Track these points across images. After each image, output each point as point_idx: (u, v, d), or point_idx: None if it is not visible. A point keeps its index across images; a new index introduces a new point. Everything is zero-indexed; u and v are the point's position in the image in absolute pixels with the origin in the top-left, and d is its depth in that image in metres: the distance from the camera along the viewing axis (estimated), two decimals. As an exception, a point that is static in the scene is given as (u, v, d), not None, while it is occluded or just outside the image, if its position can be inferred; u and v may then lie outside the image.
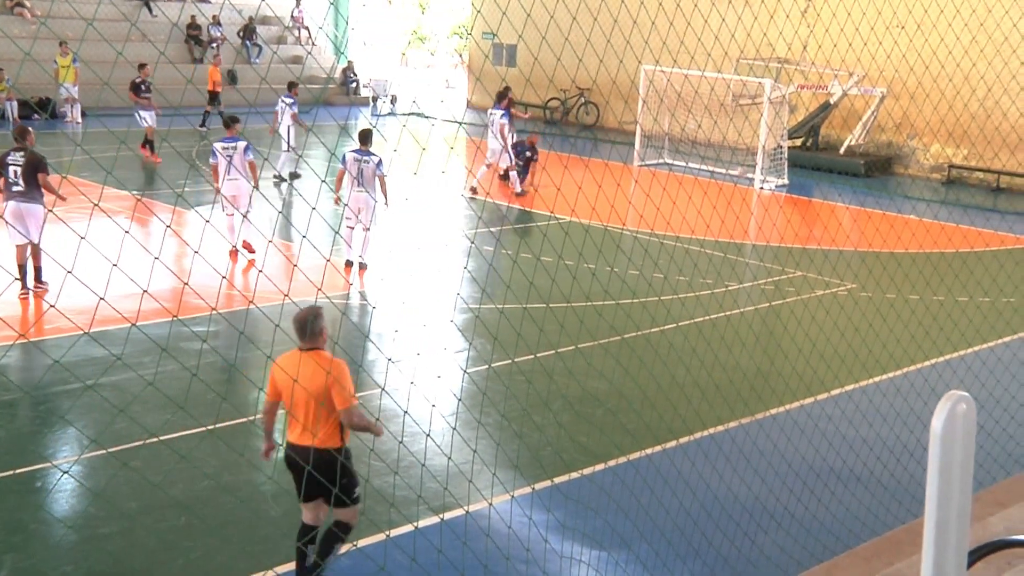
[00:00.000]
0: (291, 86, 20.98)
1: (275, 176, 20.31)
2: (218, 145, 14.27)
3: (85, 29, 28.38)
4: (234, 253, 13.80)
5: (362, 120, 31.58)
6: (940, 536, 1.97)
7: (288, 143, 20.59)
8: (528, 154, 21.45)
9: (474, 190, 20.46)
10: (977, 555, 3.41)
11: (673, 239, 16.31)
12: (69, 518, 7.40)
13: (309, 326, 6.01)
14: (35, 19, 30.90)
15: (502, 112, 20.24)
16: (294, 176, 20.71)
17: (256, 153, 14.13)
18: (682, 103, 24.36)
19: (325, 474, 5.88)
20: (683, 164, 23.97)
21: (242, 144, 14.16)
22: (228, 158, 14.08)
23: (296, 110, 20.43)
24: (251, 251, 13.89)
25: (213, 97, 27.27)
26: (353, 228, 14.07)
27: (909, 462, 8.64)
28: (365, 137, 14.13)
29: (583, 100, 32.50)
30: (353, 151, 14.12)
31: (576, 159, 21.54)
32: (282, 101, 20.56)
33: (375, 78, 37.03)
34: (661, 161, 25.19)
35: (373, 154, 14.05)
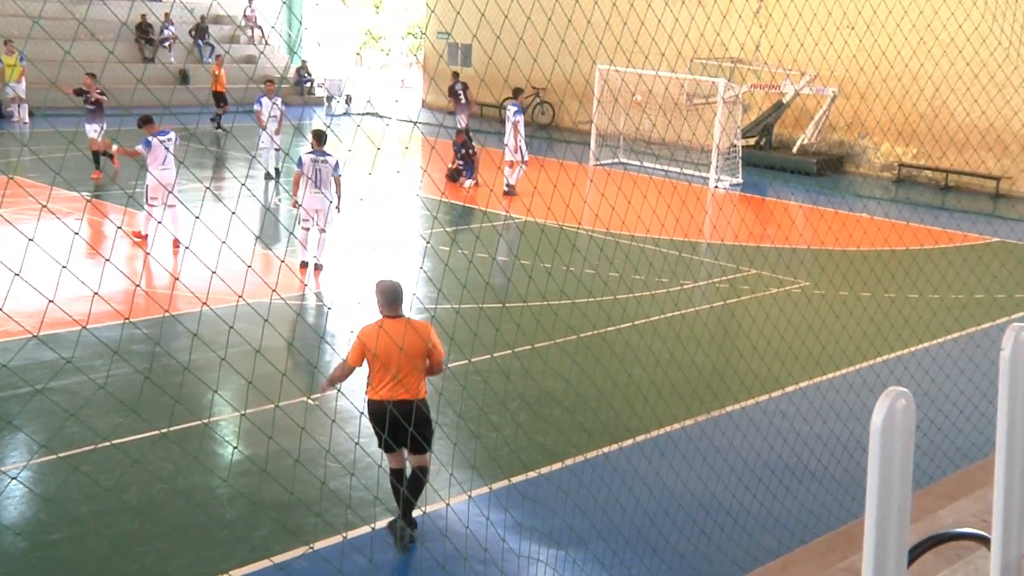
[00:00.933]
0: (269, 83, 21.66)
1: (266, 174, 20.89)
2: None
3: (31, 27, 27.90)
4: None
5: (316, 120, 31.41)
6: (881, 532, 2.01)
7: (273, 140, 20.92)
8: (466, 151, 21.66)
9: (511, 188, 20.80)
10: (922, 548, 3.47)
11: (629, 238, 16.40)
12: (18, 525, 7.29)
13: (399, 296, 6.96)
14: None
15: (516, 109, 20.58)
16: (273, 175, 21.03)
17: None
18: (636, 103, 24.49)
19: (421, 422, 6.86)
20: (638, 163, 24.11)
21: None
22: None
23: (284, 108, 20.91)
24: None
25: (219, 98, 27.10)
26: (309, 229, 13.99)
27: (862, 457, 8.74)
28: (320, 137, 14.07)
29: (538, 100, 32.56)
30: (309, 152, 14.05)
31: (532, 158, 21.58)
32: (266, 100, 20.99)
33: (329, 78, 36.87)
34: (616, 160, 25.31)
35: (329, 155, 14.00)
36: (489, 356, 10.39)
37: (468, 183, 20.95)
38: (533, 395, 9.96)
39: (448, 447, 8.59)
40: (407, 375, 6.86)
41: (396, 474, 7.21)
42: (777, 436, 9.26)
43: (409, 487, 7.15)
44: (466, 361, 10.42)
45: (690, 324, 12.48)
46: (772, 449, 9.01)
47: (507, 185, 20.71)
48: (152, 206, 14.18)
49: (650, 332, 12.01)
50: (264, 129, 20.84)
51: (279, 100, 21.14)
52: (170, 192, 13.89)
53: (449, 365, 10.48)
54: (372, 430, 7.11)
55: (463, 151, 21.66)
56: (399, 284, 7.01)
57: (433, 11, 33.03)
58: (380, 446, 7.06)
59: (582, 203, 18.52)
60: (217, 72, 27.58)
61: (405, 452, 7.13)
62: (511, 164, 20.91)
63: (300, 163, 14.02)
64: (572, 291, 13.00)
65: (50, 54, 27.17)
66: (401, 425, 6.75)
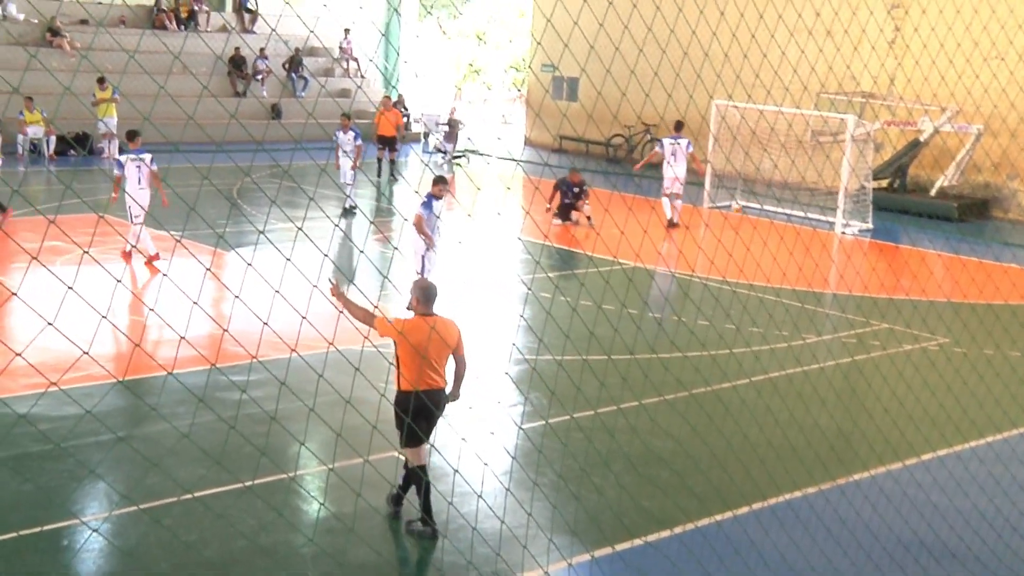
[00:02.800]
0: (344, 117, 22.14)
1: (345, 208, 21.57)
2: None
3: (127, 62, 29.14)
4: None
5: (413, 158, 31.97)
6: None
7: (349, 176, 21.60)
8: (576, 191, 21.93)
9: (672, 224, 21.71)
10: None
11: (746, 287, 16.23)
12: (97, 578, 7.52)
13: (434, 295, 8.09)
14: (74, 52, 31.81)
15: (687, 141, 21.99)
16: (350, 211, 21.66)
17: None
18: (756, 141, 24.33)
19: (441, 412, 8.08)
20: (758, 206, 23.90)
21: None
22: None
23: (360, 142, 21.71)
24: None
25: (387, 143, 26.61)
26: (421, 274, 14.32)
27: (1011, 537, 8.46)
28: (440, 182, 14.39)
29: (649, 137, 32.61)
30: (434, 200, 14.41)
31: (641, 200, 21.59)
32: (341, 135, 21.70)
33: (427, 113, 37.58)
34: (733, 203, 25.14)
35: (436, 197, 14.36)
36: (592, 412, 10.37)
37: (586, 207, 21.70)
38: (639, 455, 9.89)
39: (547, 509, 8.57)
40: (438, 364, 7.99)
41: (421, 470, 8.01)
42: (912, 509, 9.01)
43: (406, 482, 8.28)
44: (568, 417, 10.42)
45: (813, 382, 12.27)
46: (906, 523, 8.76)
47: (670, 221, 21.69)
48: (135, 224, 15.62)
49: (769, 389, 11.84)
50: (338, 166, 21.70)
51: (355, 134, 21.73)
52: (146, 212, 14.99)
53: (550, 420, 10.50)
54: (465, 489, 7.19)
55: (574, 190, 21.94)
56: (433, 284, 8.18)
57: (539, 43, 33.40)
58: (405, 444, 7.95)
59: (696, 248, 18.42)
60: (385, 114, 27.40)
61: (425, 447, 8.00)
62: (671, 196, 21.87)
63: (428, 205, 14.35)
64: (684, 343, 12.91)
65: (142, 88, 28.32)
66: (430, 415, 7.89)
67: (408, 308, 8.40)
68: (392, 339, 7.94)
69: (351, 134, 21.83)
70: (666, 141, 22.24)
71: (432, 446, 7.93)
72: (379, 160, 26.89)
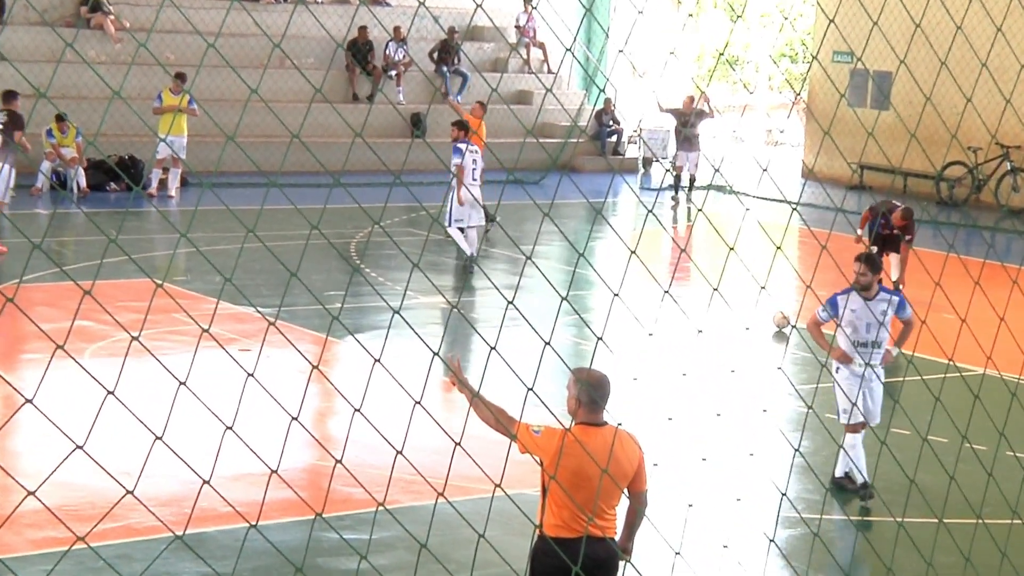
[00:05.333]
0: (460, 127, 22.79)
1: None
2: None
3: (205, 52, 29.36)
4: None
5: (625, 193, 32.05)
6: None
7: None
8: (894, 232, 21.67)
9: None
10: None
11: None
12: None
13: (607, 393, 8.18)
14: (121, 35, 32.92)
15: None
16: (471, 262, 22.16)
17: None
18: None
19: (613, 570, 8.15)
20: None
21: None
22: None
23: (457, 159, 21.99)
24: None
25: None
26: None
27: None
28: None
29: (1010, 167, 31.94)
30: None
31: (995, 267, 21.05)
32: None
33: (649, 128, 37.48)
34: None
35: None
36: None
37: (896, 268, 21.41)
38: None
39: None
40: (603, 504, 8.03)
41: None
42: None
43: None
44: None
45: None
46: None
47: None
48: None
49: None
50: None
51: (469, 145, 21.93)
52: None
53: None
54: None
55: (894, 232, 21.73)
56: (607, 377, 8.21)
57: (831, 21, 33.20)
58: None
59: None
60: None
61: None
62: None
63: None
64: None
65: (217, 88, 29.27)
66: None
67: (568, 413, 8.26)
68: (539, 459, 7.98)
69: (463, 144, 22.24)
70: None
71: None
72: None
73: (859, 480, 13.36)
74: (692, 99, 33.89)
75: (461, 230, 22.05)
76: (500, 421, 7.94)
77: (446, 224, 22.25)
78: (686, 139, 32.51)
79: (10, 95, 22.95)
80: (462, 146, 21.93)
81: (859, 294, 13.34)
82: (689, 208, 32.54)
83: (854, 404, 13.21)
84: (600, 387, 8.11)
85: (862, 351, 13.44)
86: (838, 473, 13.61)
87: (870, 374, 13.34)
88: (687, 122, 32.62)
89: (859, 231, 22.04)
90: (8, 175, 22.25)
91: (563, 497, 7.86)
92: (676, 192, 32.52)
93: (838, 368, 13.65)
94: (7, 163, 22.19)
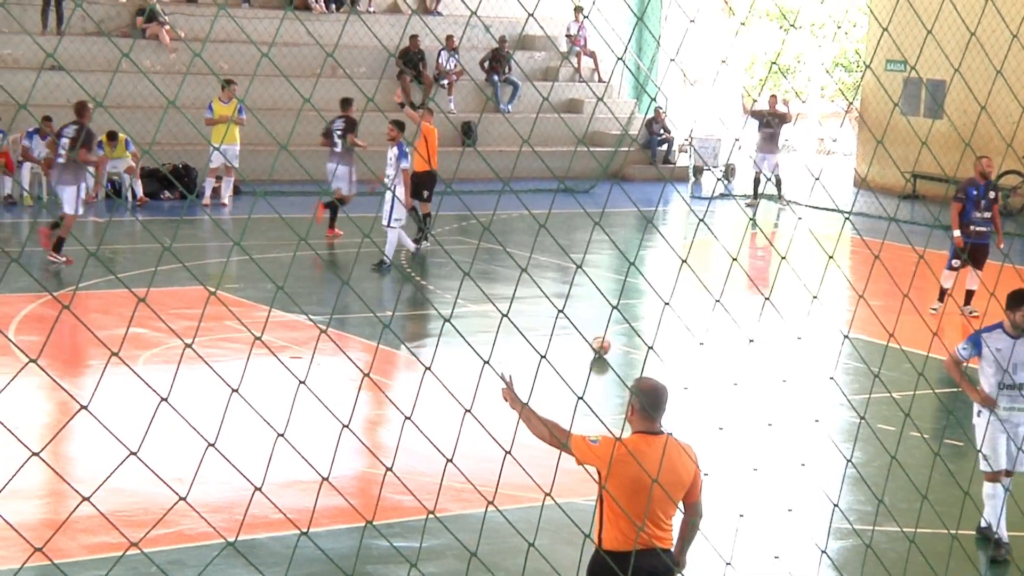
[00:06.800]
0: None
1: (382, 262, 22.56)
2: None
3: (259, 62, 29.45)
4: None
5: (733, 211, 31.96)
6: None
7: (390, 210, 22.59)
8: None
9: None
10: None
11: None
12: None
13: (664, 401, 8.12)
14: (176, 45, 33.23)
15: None
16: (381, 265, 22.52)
17: None
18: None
19: None
20: None
21: None
22: None
23: (405, 163, 22.58)
24: None
25: (420, 185, 26.09)
26: None
27: None
28: None
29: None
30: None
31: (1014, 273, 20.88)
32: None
33: (700, 137, 37.42)
34: None
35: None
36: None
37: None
38: None
39: None
40: (661, 514, 8.04)
41: None
42: None
43: None
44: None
45: None
46: None
47: None
48: None
49: None
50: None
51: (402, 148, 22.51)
52: None
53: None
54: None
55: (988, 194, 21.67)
56: (664, 386, 8.19)
57: (884, 29, 33.02)
58: None
59: None
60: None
61: None
62: None
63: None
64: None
65: (269, 98, 29.42)
66: None
67: (626, 421, 8.26)
68: (596, 469, 7.96)
69: (395, 151, 22.65)
70: None
71: None
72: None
73: (995, 533, 12.37)
74: (776, 99, 33.93)
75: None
76: (554, 435, 7.90)
77: (386, 223, 22.55)
78: (765, 140, 32.52)
79: (82, 107, 22.81)
80: (408, 149, 22.54)
81: (1007, 334, 12.54)
82: (780, 211, 32.62)
83: (978, 450, 12.41)
84: (655, 395, 8.08)
85: (1008, 394, 12.48)
86: (982, 523, 12.73)
87: (1018, 418, 12.45)
88: (769, 123, 32.64)
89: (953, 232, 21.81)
90: (79, 191, 22.26)
91: (614, 510, 7.84)
92: (756, 196, 32.57)
93: (979, 411, 12.61)
94: (80, 180, 22.24)
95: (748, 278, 19.12)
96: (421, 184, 24.05)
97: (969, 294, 21.62)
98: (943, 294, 21.36)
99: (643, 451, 7.83)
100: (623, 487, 7.76)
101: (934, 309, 21.15)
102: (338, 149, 25.01)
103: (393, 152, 22.64)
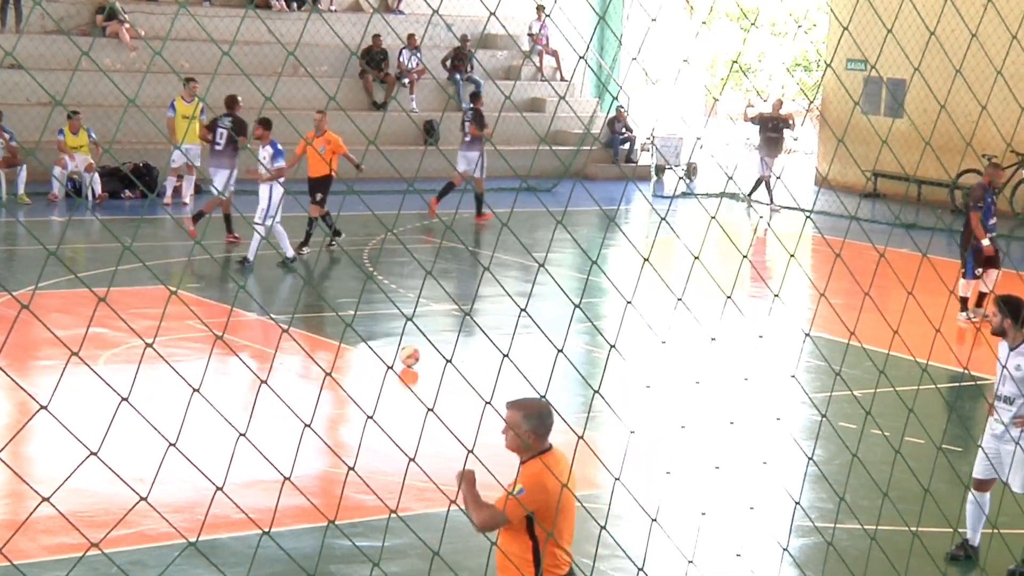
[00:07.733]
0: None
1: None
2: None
3: (219, 61, 29.46)
4: None
5: (638, 203, 32.03)
6: None
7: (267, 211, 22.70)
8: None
9: None
10: None
11: None
12: None
13: (552, 418, 7.86)
14: (136, 43, 33.10)
15: None
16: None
17: None
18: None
19: None
20: None
21: None
22: None
23: (280, 161, 22.76)
24: None
25: (316, 188, 24.96)
26: None
27: None
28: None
29: (1028, 175, 31.91)
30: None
31: (1011, 276, 20.97)
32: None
33: (661, 135, 37.47)
34: None
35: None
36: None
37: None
38: None
39: None
40: (572, 531, 8.07)
41: None
42: None
43: None
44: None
45: None
46: None
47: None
48: None
49: None
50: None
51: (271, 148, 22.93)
52: None
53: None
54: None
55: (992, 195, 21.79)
56: (544, 401, 7.92)
57: (844, 28, 33.15)
58: None
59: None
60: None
61: None
62: None
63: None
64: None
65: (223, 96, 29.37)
66: None
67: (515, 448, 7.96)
68: (532, 512, 7.76)
69: (268, 148, 22.87)
70: None
71: None
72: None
73: (968, 535, 12.20)
74: (780, 102, 34.08)
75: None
76: (494, 516, 7.78)
77: (263, 221, 22.66)
78: (768, 143, 32.61)
79: (232, 100, 24.78)
80: (281, 147, 22.97)
81: (1006, 341, 12.22)
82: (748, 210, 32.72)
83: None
84: (547, 413, 7.92)
85: (997, 405, 12.19)
86: (969, 539, 12.36)
87: (1003, 432, 11.96)
88: (773, 126, 32.73)
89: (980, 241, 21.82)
90: (231, 176, 24.12)
91: (550, 543, 7.75)
92: (772, 200, 32.53)
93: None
94: (233, 167, 24.26)
95: (710, 276, 19.15)
96: (317, 188, 23.95)
97: (982, 296, 21.72)
98: (965, 303, 21.51)
99: (559, 466, 7.82)
100: (551, 510, 7.66)
101: (968, 317, 21.27)
102: (219, 148, 24.66)
103: (267, 151, 22.77)
